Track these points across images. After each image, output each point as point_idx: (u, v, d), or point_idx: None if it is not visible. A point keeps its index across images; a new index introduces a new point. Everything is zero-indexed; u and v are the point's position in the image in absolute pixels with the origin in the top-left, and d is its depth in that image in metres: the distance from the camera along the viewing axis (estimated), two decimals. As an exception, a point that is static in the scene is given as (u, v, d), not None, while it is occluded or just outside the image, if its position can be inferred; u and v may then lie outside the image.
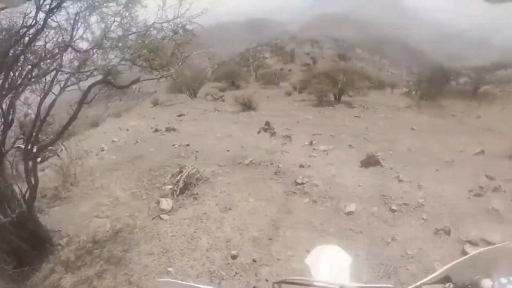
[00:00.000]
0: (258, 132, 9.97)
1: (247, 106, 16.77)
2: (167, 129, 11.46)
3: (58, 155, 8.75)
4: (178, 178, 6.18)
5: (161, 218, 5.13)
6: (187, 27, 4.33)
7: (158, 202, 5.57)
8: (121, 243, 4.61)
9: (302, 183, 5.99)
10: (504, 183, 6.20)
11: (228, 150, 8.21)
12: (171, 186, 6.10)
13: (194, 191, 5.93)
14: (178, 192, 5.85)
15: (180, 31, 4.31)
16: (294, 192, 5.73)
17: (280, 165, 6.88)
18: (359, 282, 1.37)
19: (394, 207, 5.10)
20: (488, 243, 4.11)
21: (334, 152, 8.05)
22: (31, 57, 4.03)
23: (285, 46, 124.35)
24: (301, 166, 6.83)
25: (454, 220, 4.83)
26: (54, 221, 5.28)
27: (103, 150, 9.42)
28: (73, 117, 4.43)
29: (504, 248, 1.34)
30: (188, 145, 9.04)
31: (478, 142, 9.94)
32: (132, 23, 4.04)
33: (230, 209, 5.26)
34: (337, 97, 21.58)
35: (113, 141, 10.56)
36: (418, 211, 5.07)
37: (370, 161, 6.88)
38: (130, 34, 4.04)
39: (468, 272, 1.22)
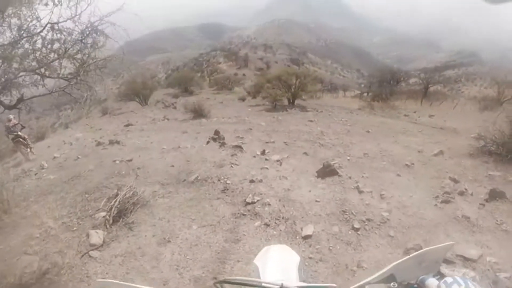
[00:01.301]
0: (207, 143, 9.14)
1: (198, 113, 15.92)
2: (111, 142, 10.52)
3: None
4: (112, 203, 5.30)
5: (90, 256, 4.28)
6: (100, 27, 3.51)
7: (88, 236, 4.70)
8: (48, 287, 3.85)
9: (253, 202, 5.27)
10: (469, 185, 5.99)
11: (172, 165, 7.35)
12: (104, 213, 5.23)
13: (129, 219, 5.08)
14: (111, 221, 4.98)
15: (90, 31, 3.48)
16: (243, 214, 4.98)
17: (228, 181, 6.13)
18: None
19: (357, 225, 4.53)
20: (466, 259, 3.71)
21: (288, 161, 7.43)
22: None
23: (239, 51, 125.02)
24: (251, 181, 6.12)
25: (424, 233, 4.40)
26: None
27: (43, 168, 8.66)
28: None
29: (448, 247, 1.35)
30: (130, 160, 8.17)
31: (434, 141, 9.99)
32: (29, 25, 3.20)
33: (169, 241, 4.45)
34: (291, 101, 21.30)
35: (54, 157, 9.76)
36: (384, 227, 4.54)
37: (326, 171, 6.30)
38: (22, 39, 3.17)
39: (413, 271, 1.24)
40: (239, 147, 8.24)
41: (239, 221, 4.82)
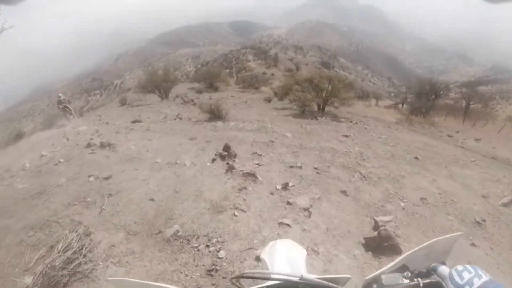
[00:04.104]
0: (213, 160, 6.97)
1: (214, 115, 13.83)
2: (102, 145, 8.73)
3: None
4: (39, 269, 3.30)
5: None
6: None
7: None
8: None
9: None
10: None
11: (152, 199, 5.16)
12: (30, 280, 3.29)
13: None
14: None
15: None
16: None
17: (221, 254, 3.73)
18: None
19: None
20: None
21: (320, 208, 5.09)
22: None
23: (269, 50, 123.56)
24: (258, 259, 3.64)
25: None
26: None
27: (23, 169, 7.32)
28: None
29: (456, 238, 1.36)
30: (108, 178, 6.20)
31: (494, 179, 7.96)
32: None
33: None
34: (321, 107, 19.14)
35: (42, 155, 8.28)
36: None
37: (383, 246, 3.93)
38: None
39: (423, 261, 1.29)
40: (252, 175, 5.87)
41: None
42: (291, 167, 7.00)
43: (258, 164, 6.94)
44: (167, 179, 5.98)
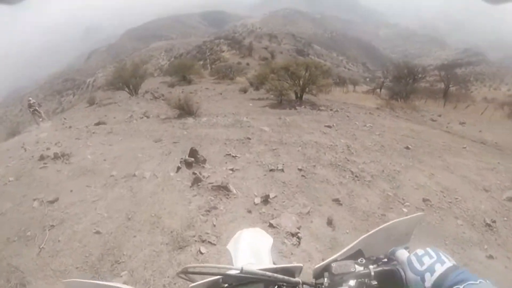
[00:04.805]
0: (178, 169, 5.84)
1: (184, 110, 12.63)
2: (56, 157, 7.45)
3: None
4: None
5: None
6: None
7: None
8: None
9: None
10: None
11: (99, 232, 3.99)
12: None
13: None
14: None
15: None
16: None
17: None
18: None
19: None
20: None
21: (311, 227, 4.04)
22: None
23: (243, 40, 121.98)
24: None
25: None
26: None
27: None
28: None
29: (419, 218, 1.21)
30: (53, 202, 5.03)
31: (489, 167, 7.46)
32: None
33: None
34: (299, 95, 18.18)
35: None
36: None
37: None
38: None
39: (381, 245, 1.14)
40: (224, 188, 4.75)
41: None
42: (271, 170, 5.96)
43: (232, 169, 5.88)
44: (120, 200, 4.81)
